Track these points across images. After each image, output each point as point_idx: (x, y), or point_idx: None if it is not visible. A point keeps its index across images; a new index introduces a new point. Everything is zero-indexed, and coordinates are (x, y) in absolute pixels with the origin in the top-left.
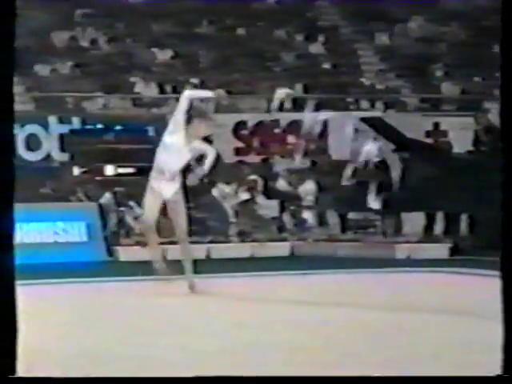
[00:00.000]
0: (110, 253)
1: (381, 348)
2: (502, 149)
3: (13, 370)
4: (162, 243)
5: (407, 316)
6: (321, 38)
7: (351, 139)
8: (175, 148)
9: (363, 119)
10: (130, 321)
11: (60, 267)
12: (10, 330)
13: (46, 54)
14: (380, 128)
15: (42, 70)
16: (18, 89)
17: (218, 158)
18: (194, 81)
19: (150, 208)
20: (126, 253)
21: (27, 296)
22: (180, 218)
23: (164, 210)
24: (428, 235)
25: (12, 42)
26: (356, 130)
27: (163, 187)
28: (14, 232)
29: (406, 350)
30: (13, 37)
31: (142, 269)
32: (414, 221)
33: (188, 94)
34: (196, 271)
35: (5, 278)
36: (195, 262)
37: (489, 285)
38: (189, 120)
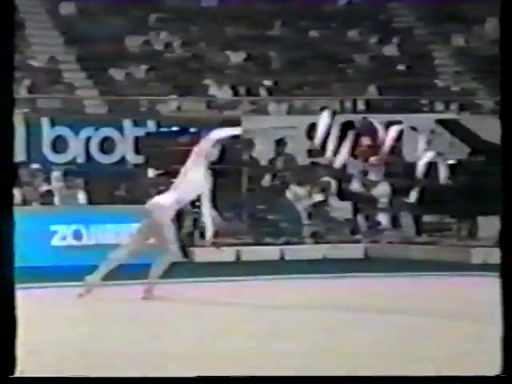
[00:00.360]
0: (186, 254)
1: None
2: (502, 153)
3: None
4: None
5: (481, 322)
6: (395, 40)
7: (426, 142)
8: (195, 183)
9: (438, 121)
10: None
11: (135, 268)
12: (10, 329)
13: (121, 59)
14: (455, 130)
15: (117, 74)
16: (92, 93)
17: (292, 159)
18: (267, 83)
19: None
20: (202, 254)
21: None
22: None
23: None
24: None
25: (12, 52)
26: (431, 132)
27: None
28: (13, 234)
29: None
30: (12, 48)
31: (218, 270)
32: (489, 225)
33: (216, 132)
34: (269, 272)
35: (5, 280)
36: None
37: None
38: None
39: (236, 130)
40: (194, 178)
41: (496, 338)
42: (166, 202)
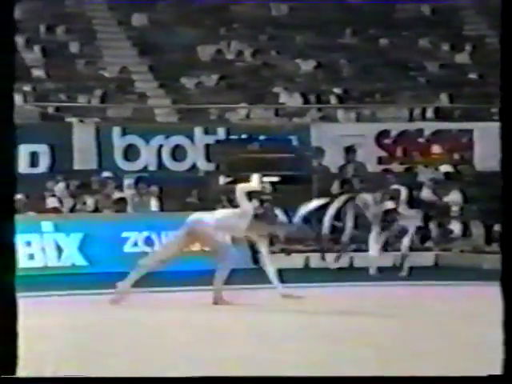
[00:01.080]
0: (255, 260)
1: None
2: (501, 157)
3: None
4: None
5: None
6: (467, 48)
7: (498, 150)
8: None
9: None
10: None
11: (206, 275)
12: (10, 333)
13: (192, 68)
14: None
15: (188, 82)
16: (164, 102)
17: (362, 166)
18: (337, 91)
19: None
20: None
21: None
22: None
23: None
24: None
25: (13, 55)
26: None
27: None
28: (15, 241)
29: None
30: (13, 50)
31: (285, 276)
32: None
33: (240, 187)
34: (337, 280)
35: (7, 285)
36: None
37: None
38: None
39: (255, 187)
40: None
41: None
42: (207, 218)
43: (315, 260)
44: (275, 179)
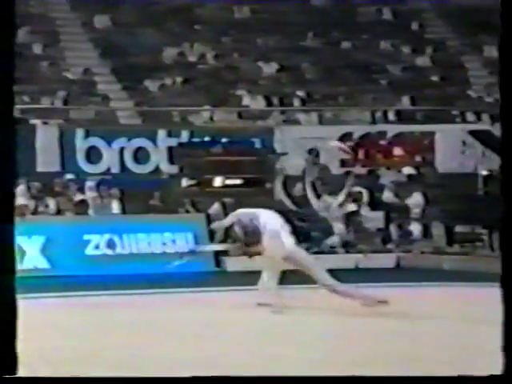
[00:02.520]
0: (218, 263)
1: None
2: (501, 159)
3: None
4: None
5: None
6: (428, 51)
7: (459, 152)
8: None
9: (470, 132)
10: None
11: (168, 278)
12: (10, 333)
13: (155, 70)
14: (488, 141)
15: (151, 85)
16: (127, 104)
17: (324, 169)
18: (300, 93)
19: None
20: (234, 263)
21: (129, 304)
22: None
23: None
24: None
25: (12, 56)
26: (463, 143)
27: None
28: (14, 243)
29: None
30: (12, 50)
31: (250, 279)
32: None
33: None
34: (297, 282)
35: (6, 288)
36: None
37: None
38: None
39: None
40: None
41: None
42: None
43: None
44: (238, 182)
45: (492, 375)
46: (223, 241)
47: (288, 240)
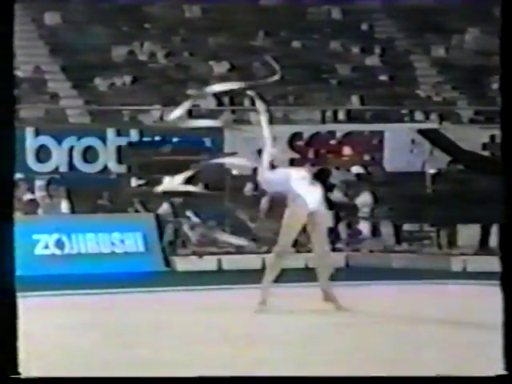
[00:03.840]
0: (167, 263)
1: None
2: (503, 160)
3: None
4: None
5: (461, 328)
6: (377, 50)
7: (407, 151)
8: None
9: (419, 131)
10: (187, 332)
11: (117, 277)
12: (11, 333)
13: (105, 69)
14: (436, 140)
15: (101, 83)
16: (76, 102)
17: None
18: (251, 93)
19: (291, 226)
20: (183, 263)
21: (80, 305)
22: (322, 233)
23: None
24: (483, 247)
25: (12, 56)
26: (412, 142)
27: (308, 195)
28: (13, 243)
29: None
30: (12, 53)
31: (198, 279)
32: (469, 233)
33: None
34: (246, 281)
35: (6, 289)
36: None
37: None
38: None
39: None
40: None
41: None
42: None
43: (229, 262)
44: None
45: (490, 376)
46: (173, 240)
47: (313, 199)
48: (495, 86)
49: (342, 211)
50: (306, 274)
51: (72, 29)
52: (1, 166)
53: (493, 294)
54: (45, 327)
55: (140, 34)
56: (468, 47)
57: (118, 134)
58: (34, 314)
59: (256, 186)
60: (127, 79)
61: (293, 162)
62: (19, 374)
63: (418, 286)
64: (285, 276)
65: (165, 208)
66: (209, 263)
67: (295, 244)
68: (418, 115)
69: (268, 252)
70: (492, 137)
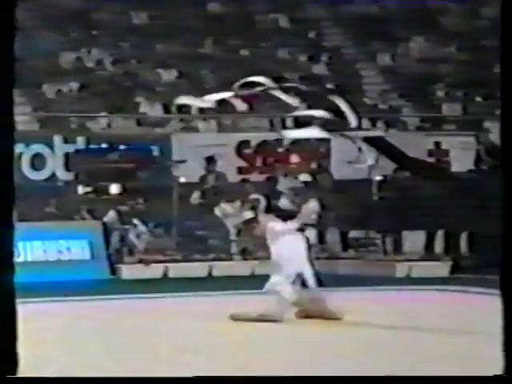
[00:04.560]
0: (113, 271)
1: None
2: (501, 167)
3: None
4: None
5: (406, 333)
6: (324, 59)
7: (354, 159)
8: None
9: (365, 139)
10: (129, 339)
11: (63, 285)
12: (10, 335)
13: (53, 75)
14: (382, 147)
15: (49, 90)
16: (24, 109)
17: (222, 176)
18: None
19: None
20: (129, 271)
21: (28, 313)
22: None
23: None
24: (428, 253)
25: (12, 61)
26: (359, 150)
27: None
28: (13, 249)
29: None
30: (13, 56)
31: (144, 287)
32: (414, 239)
33: None
34: (197, 289)
35: (5, 293)
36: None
37: (489, 303)
38: None
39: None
40: None
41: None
42: None
43: (175, 270)
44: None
45: (490, 376)
46: (119, 249)
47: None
48: (440, 93)
49: (289, 219)
50: (252, 281)
51: (19, 34)
52: (1, 173)
53: (436, 299)
54: None
55: (88, 41)
56: (413, 55)
57: (66, 141)
58: None
59: (203, 194)
60: (75, 86)
61: (241, 170)
62: None
63: (362, 293)
64: (232, 284)
65: (111, 216)
66: (155, 271)
67: (243, 252)
68: (365, 123)
69: (215, 260)
70: (437, 143)
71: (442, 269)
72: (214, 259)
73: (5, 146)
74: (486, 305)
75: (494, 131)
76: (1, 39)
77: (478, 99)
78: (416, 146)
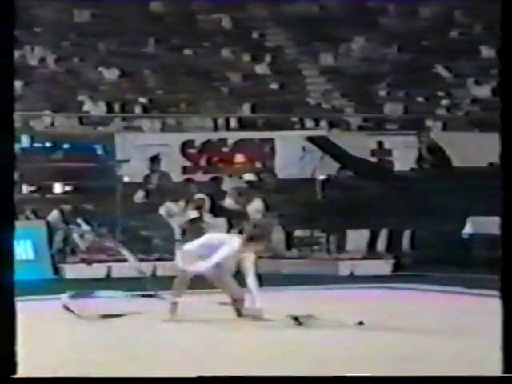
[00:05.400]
0: (56, 271)
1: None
2: (502, 167)
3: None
4: None
5: (349, 332)
6: (267, 59)
7: (298, 158)
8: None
9: (309, 138)
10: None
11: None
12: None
13: None
14: (326, 147)
15: None
16: None
17: (166, 176)
18: (142, 100)
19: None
20: (72, 270)
21: None
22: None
23: None
24: (371, 252)
25: (11, 59)
26: (303, 149)
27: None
28: (13, 248)
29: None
30: (11, 52)
31: (86, 286)
32: (357, 238)
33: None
34: (142, 289)
35: (5, 291)
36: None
37: (430, 300)
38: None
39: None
40: None
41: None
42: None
43: (119, 269)
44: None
45: (490, 376)
46: (62, 249)
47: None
48: (382, 93)
49: (233, 218)
50: (197, 281)
51: None
52: (1, 171)
53: (381, 298)
54: None
55: (30, 38)
56: (354, 55)
57: None
58: None
59: (147, 194)
60: (17, 84)
61: (185, 170)
62: None
63: (306, 292)
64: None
65: (55, 215)
66: (98, 271)
67: None
68: (308, 122)
69: (159, 260)
70: (380, 143)
71: (384, 267)
72: (157, 259)
73: (5, 145)
74: (427, 302)
75: (435, 130)
76: None
77: (419, 99)
78: (359, 145)
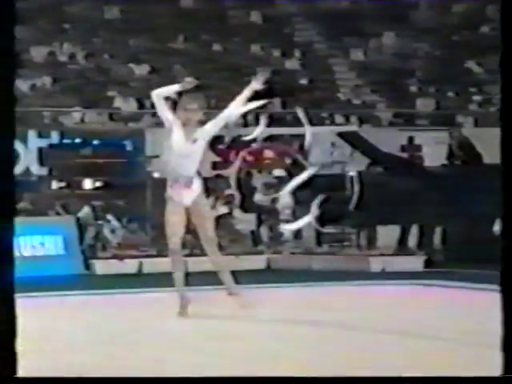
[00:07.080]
0: (87, 266)
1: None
2: (502, 166)
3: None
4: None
5: (382, 328)
6: (297, 54)
7: (328, 154)
8: (180, 150)
9: (339, 134)
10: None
11: (37, 281)
12: (9, 333)
13: (26, 69)
14: (356, 143)
15: (22, 84)
16: None
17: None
18: (172, 95)
19: (173, 224)
20: (103, 266)
21: None
22: (206, 225)
23: (188, 227)
24: (402, 248)
25: (12, 57)
26: (332, 145)
27: (182, 195)
28: (13, 246)
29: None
30: (12, 51)
31: (119, 282)
32: (388, 234)
33: (156, 93)
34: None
35: (5, 289)
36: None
37: (461, 297)
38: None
39: (175, 87)
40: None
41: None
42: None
43: (150, 265)
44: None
45: (490, 376)
46: (93, 244)
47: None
48: (413, 88)
49: (263, 214)
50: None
51: None
52: (1, 168)
53: (413, 294)
54: None
55: (60, 35)
56: (385, 50)
57: (39, 135)
58: None
59: None
60: (47, 80)
61: (215, 165)
62: None
63: (337, 288)
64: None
65: (85, 211)
66: (129, 266)
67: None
68: (338, 118)
69: (190, 255)
70: (410, 139)
71: (415, 263)
72: (189, 255)
73: (5, 144)
74: (458, 299)
75: (466, 126)
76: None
77: (450, 94)
78: (389, 141)
